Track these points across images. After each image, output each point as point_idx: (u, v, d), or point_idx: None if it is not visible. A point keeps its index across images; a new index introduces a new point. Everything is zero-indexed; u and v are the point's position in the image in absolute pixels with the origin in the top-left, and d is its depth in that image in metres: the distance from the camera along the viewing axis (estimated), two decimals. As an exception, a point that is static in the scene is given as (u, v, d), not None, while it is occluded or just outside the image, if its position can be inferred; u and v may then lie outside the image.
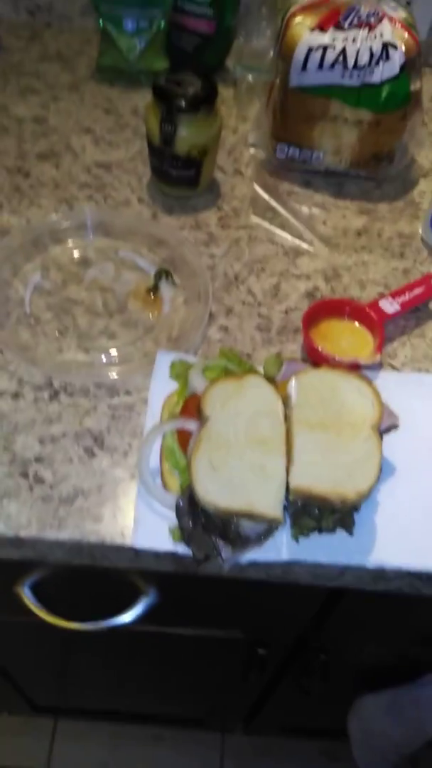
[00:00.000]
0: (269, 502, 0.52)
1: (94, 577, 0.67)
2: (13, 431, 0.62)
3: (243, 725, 1.45)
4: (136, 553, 0.57)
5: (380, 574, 0.57)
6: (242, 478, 0.52)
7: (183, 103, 0.73)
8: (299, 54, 0.75)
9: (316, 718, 1.30)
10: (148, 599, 0.73)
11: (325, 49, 0.74)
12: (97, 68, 0.98)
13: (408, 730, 0.95)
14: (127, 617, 0.73)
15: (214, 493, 0.51)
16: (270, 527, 0.54)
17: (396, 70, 0.75)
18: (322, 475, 0.52)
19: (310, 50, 0.75)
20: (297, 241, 0.79)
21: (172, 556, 0.56)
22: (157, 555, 0.56)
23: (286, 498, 0.53)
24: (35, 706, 1.40)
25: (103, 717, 1.49)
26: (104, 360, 0.67)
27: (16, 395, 0.64)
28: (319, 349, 0.65)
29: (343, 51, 0.74)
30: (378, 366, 0.68)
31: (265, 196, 0.84)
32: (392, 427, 0.59)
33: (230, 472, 0.52)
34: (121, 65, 0.97)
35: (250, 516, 0.51)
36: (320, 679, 0.92)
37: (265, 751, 1.54)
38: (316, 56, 0.75)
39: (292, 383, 0.57)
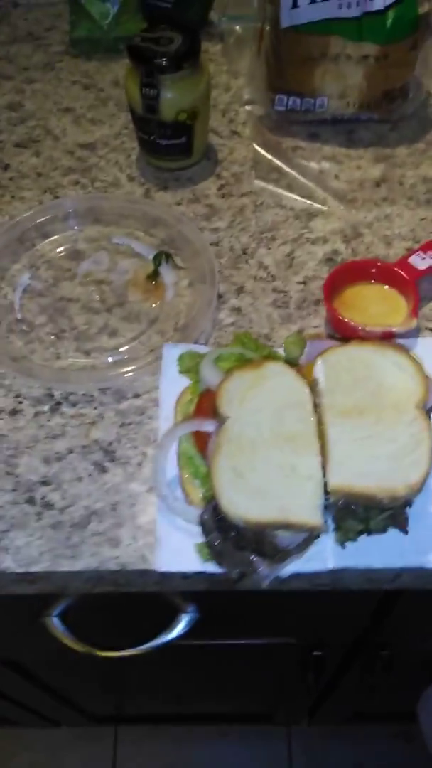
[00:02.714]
0: (306, 509, 0.44)
1: (125, 600, 0.61)
2: (14, 453, 0.56)
3: (308, 717, 1.39)
4: (162, 575, 0.50)
5: (443, 572, 0.49)
6: (272, 483, 0.45)
7: (164, 62, 0.65)
8: (287, -12, 0.66)
9: (382, 706, 1.23)
10: (189, 616, 0.67)
11: (316, -22, 0.65)
12: (70, 42, 0.90)
13: None
14: (168, 636, 0.67)
15: (242, 505, 0.44)
16: (311, 535, 0.47)
17: (400, -10, 0.65)
18: (365, 469, 0.45)
19: (299, -18, 0.65)
20: (308, 202, 0.71)
21: (203, 575, 0.49)
22: (185, 576, 0.50)
23: (326, 499, 0.45)
24: (94, 716, 1.37)
25: (165, 720, 1.45)
26: (107, 361, 0.60)
27: (14, 412, 0.58)
28: (346, 320, 0.57)
29: (337, -23, 0.65)
30: (415, 332, 0.60)
31: (268, 156, 0.75)
32: (440, 403, 0.51)
33: (258, 477, 0.45)
34: (95, 35, 0.88)
35: (287, 526, 0.44)
36: (384, 674, 0.85)
37: (334, 735, 1.48)
38: (306, -12, 0.65)
39: (319, 365, 0.49)
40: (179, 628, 0.68)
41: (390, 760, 1.45)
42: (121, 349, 0.61)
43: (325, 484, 0.45)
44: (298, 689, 1.07)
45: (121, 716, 1.43)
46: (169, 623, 0.68)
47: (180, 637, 0.69)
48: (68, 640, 0.66)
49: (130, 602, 0.66)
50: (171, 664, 0.92)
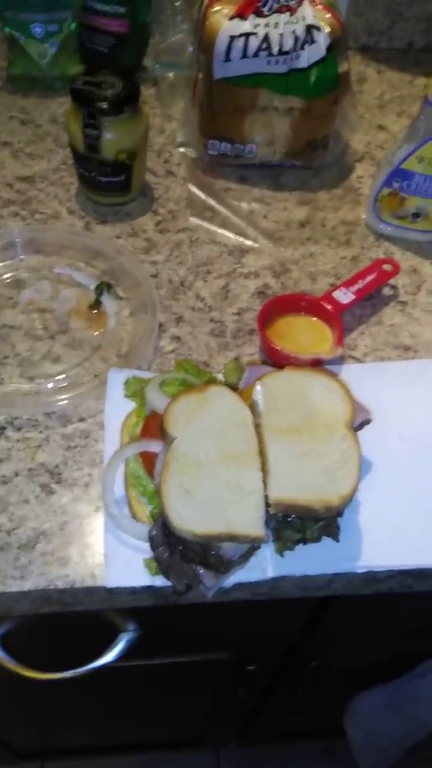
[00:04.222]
0: (250, 521, 0.48)
1: (68, 620, 0.62)
2: (-41, 476, 0.56)
3: (237, 738, 1.41)
4: (110, 592, 0.52)
5: (371, 577, 0.54)
6: (218, 498, 0.48)
7: (105, 105, 0.68)
8: (221, 44, 0.72)
9: (311, 721, 1.27)
10: (128, 635, 0.68)
11: (247, 36, 0.71)
12: (8, 79, 0.93)
13: (408, 725, 0.93)
14: (107, 658, 0.68)
15: (190, 520, 0.47)
16: (253, 546, 0.50)
17: (323, 52, 0.72)
18: (302, 483, 0.49)
19: (231, 39, 0.71)
20: (240, 239, 0.76)
21: (150, 590, 0.52)
22: (133, 591, 0.52)
23: (267, 512, 0.49)
24: (18, 753, 1.33)
25: (92, 752, 1.42)
26: (51, 386, 0.62)
27: (-42, 436, 0.59)
28: (278, 349, 0.62)
29: (266, 37, 0.71)
30: (340, 360, 0.65)
31: (202, 195, 0.80)
32: (366, 422, 0.56)
33: (204, 493, 0.48)
34: (33, 73, 0.91)
35: (232, 538, 0.48)
36: (313, 686, 0.89)
37: (262, 757, 1.50)
38: (238, 45, 0.71)
39: (258, 389, 0.53)
40: (118, 648, 0.69)
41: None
42: (65, 375, 0.63)
43: (267, 498, 0.49)
44: (230, 708, 1.09)
45: (47, 750, 1.40)
46: (107, 645, 0.70)
47: (120, 658, 0.70)
48: (9, 665, 0.66)
49: (68, 625, 0.67)
50: (103, 688, 0.92)
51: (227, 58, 0.73)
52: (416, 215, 0.74)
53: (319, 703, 0.98)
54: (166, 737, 1.36)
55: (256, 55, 0.72)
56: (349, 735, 1.05)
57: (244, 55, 0.72)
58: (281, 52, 0.72)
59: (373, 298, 0.71)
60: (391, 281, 0.72)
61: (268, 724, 1.23)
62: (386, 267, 0.71)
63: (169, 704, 1.07)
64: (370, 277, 0.70)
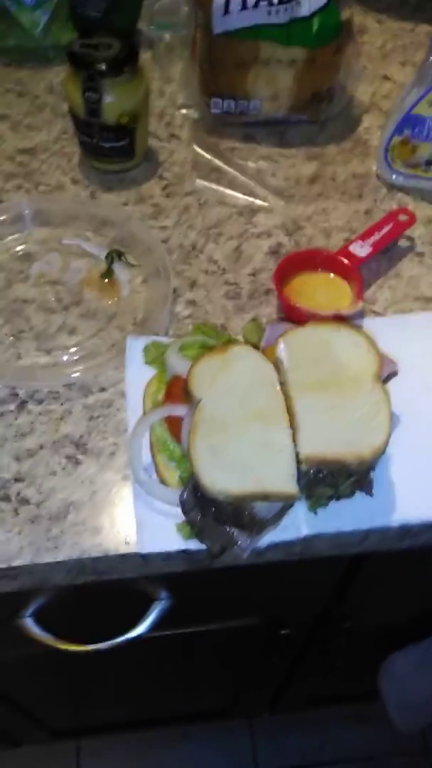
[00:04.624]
0: (282, 478, 0.47)
1: (99, 592, 0.62)
2: (-17, 453, 0.56)
3: (269, 707, 1.42)
4: (144, 558, 0.52)
5: (406, 531, 0.53)
6: (248, 458, 0.47)
7: (104, 67, 0.66)
8: (219, -4, 0.69)
9: (343, 685, 1.28)
10: (161, 604, 0.68)
11: (245, -14, 0.69)
12: (0, 51, 0.90)
13: (442, 681, 0.93)
14: (141, 628, 0.68)
15: (222, 481, 0.46)
16: (286, 504, 0.49)
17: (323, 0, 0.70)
18: (333, 437, 0.48)
19: (229, -9, 0.69)
20: (250, 199, 0.74)
21: (184, 554, 0.51)
22: (167, 557, 0.51)
23: (298, 469, 0.48)
24: (54, 731, 1.35)
25: (126, 727, 1.44)
26: (69, 358, 0.61)
27: (-21, 413, 0.58)
28: (298, 307, 0.61)
29: (265, -14, 0.69)
30: (360, 314, 0.64)
31: (207, 156, 0.78)
32: (392, 374, 0.55)
33: (234, 454, 0.47)
34: (26, 44, 0.89)
35: (265, 497, 0.47)
36: (345, 648, 0.89)
37: (294, 724, 1.51)
38: (237, -4, 0.69)
39: (281, 346, 0.52)
40: (151, 617, 0.69)
41: (350, 741, 1.50)
42: (82, 346, 0.62)
43: (298, 455, 0.48)
44: (262, 677, 1.10)
45: (82, 728, 1.42)
46: (139, 616, 0.70)
47: (152, 628, 0.70)
48: (47, 639, 0.66)
49: (100, 596, 0.67)
50: (136, 661, 0.92)
51: (226, 11, 0.70)
52: (429, 163, 0.72)
53: (352, 666, 0.98)
54: (198, 709, 1.37)
55: (255, 6, 0.70)
56: (383, 695, 1.05)
57: (244, 7, 0.70)
58: (281, 2, 0.70)
59: (389, 251, 0.69)
60: (407, 232, 0.70)
61: (300, 690, 1.24)
62: (402, 217, 0.69)
63: (202, 675, 1.08)
64: (385, 229, 0.68)
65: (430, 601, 0.85)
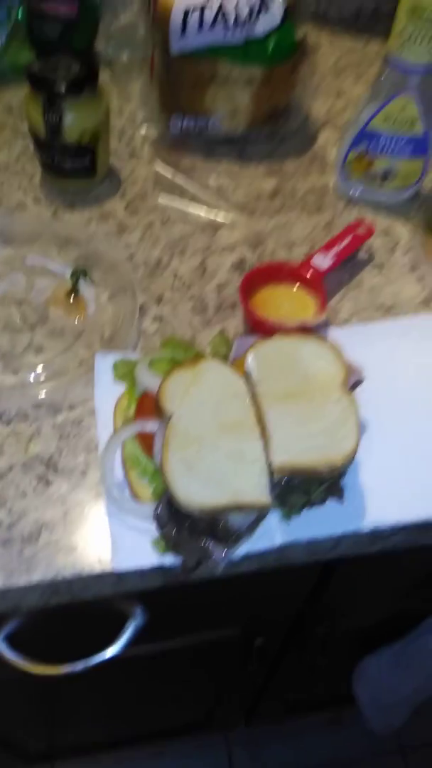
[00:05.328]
0: (256, 489, 0.48)
1: (73, 610, 0.61)
2: None
3: (245, 719, 1.42)
4: (119, 576, 0.51)
5: (376, 535, 0.54)
6: (222, 470, 0.48)
7: (64, 87, 0.67)
8: (176, 17, 0.70)
9: (317, 691, 1.28)
10: (135, 621, 0.68)
11: (202, 9, 0.70)
12: None
13: (416, 681, 0.95)
14: (116, 647, 0.68)
15: (197, 494, 0.47)
16: (260, 514, 0.50)
17: (277, 20, 0.71)
18: (304, 446, 0.49)
19: (186, 12, 0.70)
20: (212, 215, 0.75)
21: (160, 570, 0.51)
22: (142, 573, 0.51)
23: (271, 479, 0.49)
24: (27, 756, 1.32)
25: (101, 747, 1.42)
26: (36, 377, 0.61)
27: None
28: (264, 319, 0.62)
29: (221, 8, 0.70)
30: (326, 324, 0.65)
31: (168, 174, 0.79)
32: (358, 382, 0.57)
33: (208, 467, 0.48)
34: (-18, 63, 0.89)
35: (239, 508, 0.47)
36: (320, 653, 0.90)
37: (271, 735, 1.51)
38: (194, 17, 0.70)
39: (250, 359, 0.53)
40: (127, 635, 0.69)
41: (327, 746, 1.50)
42: (49, 365, 0.62)
43: (270, 465, 0.48)
44: (238, 688, 1.10)
45: (55, 751, 1.39)
46: (113, 634, 0.69)
47: (128, 645, 0.70)
48: (20, 664, 0.65)
49: (74, 617, 0.66)
50: (110, 679, 0.91)
51: (183, 32, 0.72)
52: (385, 176, 0.74)
53: (327, 671, 0.99)
54: (174, 724, 1.36)
55: (212, 26, 0.71)
56: (357, 698, 1.06)
57: (201, 27, 0.71)
58: (237, 22, 0.71)
59: (350, 262, 0.71)
60: (366, 243, 0.72)
61: (275, 699, 1.24)
62: (361, 230, 0.71)
63: (177, 689, 1.07)
64: (345, 241, 0.69)
65: (400, 603, 0.86)
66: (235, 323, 0.66)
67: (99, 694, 1.00)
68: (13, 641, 0.67)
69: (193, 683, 1.06)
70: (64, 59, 0.69)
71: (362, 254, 0.73)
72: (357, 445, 0.49)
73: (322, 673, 0.98)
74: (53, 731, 1.22)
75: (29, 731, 1.15)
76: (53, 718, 1.12)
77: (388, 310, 0.68)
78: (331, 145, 0.84)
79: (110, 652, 0.69)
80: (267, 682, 1.09)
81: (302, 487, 0.50)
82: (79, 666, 0.67)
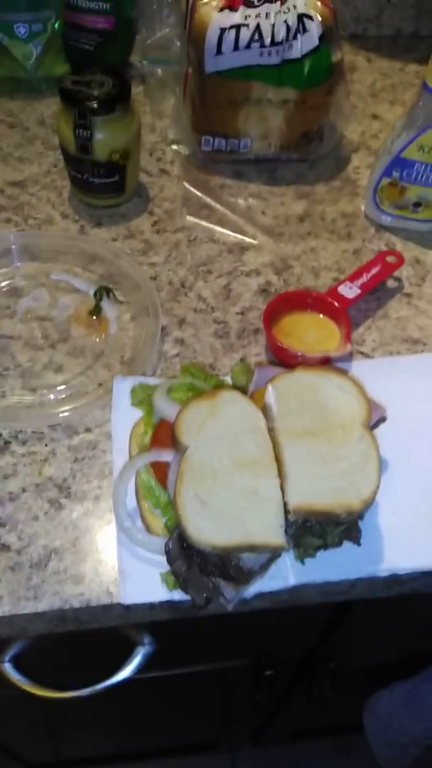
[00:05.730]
0: (270, 529, 0.46)
1: (82, 638, 0.60)
2: (-36, 495, 0.54)
3: (252, 740, 1.40)
4: (126, 609, 0.50)
5: (393, 579, 0.53)
6: (235, 508, 0.46)
7: (96, 105, 0.66)
8: (211, 37, 0.70)
9: (326, 719, 1.26)
10: (144, 649, 0.67)
11: (238, 28, 0.69)
12: (-9, 81, 0.90)
13: (427, 722, 0.92)
14: (124, 673, 0.67)
15: (208, 532, 0.45)
16: (274, 555, 0.49)
17: (315, 41, 0.70)
18: (321, 488, 0.47)
19: (222, 31, 0.69)
20: (239, 236, 0.74)
21: (168, 604, 0.50)
22: (151, 606, 0.50)
23: (286, 519, 0.47)
24: (33, 766, 1.31)
25: (106, 761, 1.41)
26: (54, 397, 0.60)
27: (-39, 453, 0.57)
28: (286, 347, 0.60)
29: (258, 28, 0.69)
30: (349, 356, 0.64)
31: (197, 193, 0.78)
32: (381, 420, 0.55)
33: (221, 503, 0.46)
34: (18, 75, 0.89)
35: (251, 548, 0.46)
36: (330, 687, 0.87)
37: (277, 757, 1.49)
38: (229, 37, 0.70)
39: (270, 392, 0.51)
40: (135, 662, 0.68)
41: (333, 774, 1.47)
42: (68, 385, 0.61)
43: (286, 505, 0.47)
44: (245, 712, 1.08)
45: (61, 762, 1.38)
46: (123, 660, 0.68)
47: (136, 672, 0.68)
48: (26, 686, 0.64)
49: (82, 642, 0.65)
50: (118, 700, 0.90)
51: (218, 51, 0.71)
52: (417, 204, 0.73)
53: (336, 704, 0.97)
54: (180, 743, 1.34)
55: (248, 46, 0.70)
56: (367, 732, 1.04)
57: (236, 48, 0.70)
58: (273, 43, 0.70)
59: (377, 291, 0.70)
60: (395, 273, 0.70)
61: (284, 724, 1.22)
62: (390, 259, 0.69)
63: (185, 711, 1.06)
64: (374, 270, 0.68)
65: (416, 642, 0.84)
66: (257, 350, 0.65)
67: (106, 711, 0.99)
68: (19, 661, 0.67)
69: (201, 706, 1.04)
70: (97, 75, 0.68)
71: (391, 282, 0.71)
72: (377, 489, 0.47)
73: (332, 704, 0.96)
74: (58, 743, 1.21)
75: (35, 743, 1.15)
76: (58, 731, 1.11)
77: (416, 343, 0.66)
78: (363, 169, 0.82)
79: (117, 678, 0.68)
80: (275, 710, 1.07)
81: (318, 529, 0.48)
82: (84, 692, 0.66)
